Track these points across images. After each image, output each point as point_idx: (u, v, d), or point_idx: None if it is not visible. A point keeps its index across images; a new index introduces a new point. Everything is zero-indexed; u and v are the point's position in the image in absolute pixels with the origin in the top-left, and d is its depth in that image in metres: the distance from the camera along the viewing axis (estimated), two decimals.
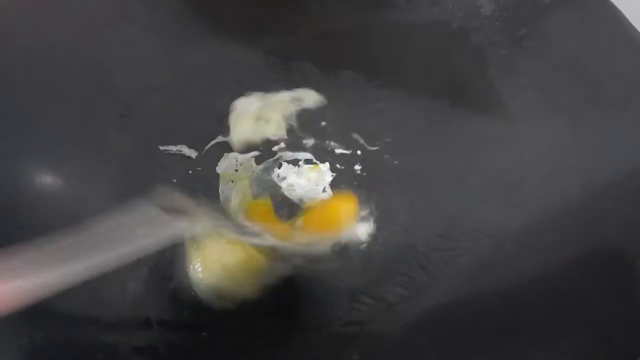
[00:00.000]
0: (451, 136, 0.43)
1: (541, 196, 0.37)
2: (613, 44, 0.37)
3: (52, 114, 0.39)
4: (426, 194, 0.41)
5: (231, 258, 0.36)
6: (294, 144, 0.44)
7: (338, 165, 0.43)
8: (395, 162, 0.43)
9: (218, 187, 0.42)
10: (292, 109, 0.45)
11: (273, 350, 0.35)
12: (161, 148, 0.43)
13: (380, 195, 0.41)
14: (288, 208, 0.42)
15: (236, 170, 0.43)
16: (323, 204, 0.41)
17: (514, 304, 0.33)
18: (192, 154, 0.43)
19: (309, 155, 0.44)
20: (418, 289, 0.37)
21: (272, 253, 0.36)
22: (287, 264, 0.36)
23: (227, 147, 0.44)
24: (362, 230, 0.39)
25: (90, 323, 0.34)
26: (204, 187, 0.42)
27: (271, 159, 0.43)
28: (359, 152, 0.44)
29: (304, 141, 0.44)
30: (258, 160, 0.44)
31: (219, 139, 0.44)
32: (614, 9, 0.37)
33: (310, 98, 0.45)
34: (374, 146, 0.44)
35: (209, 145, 0.44)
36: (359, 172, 0.43)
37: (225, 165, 0.43)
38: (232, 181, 0.42)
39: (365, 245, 0.39)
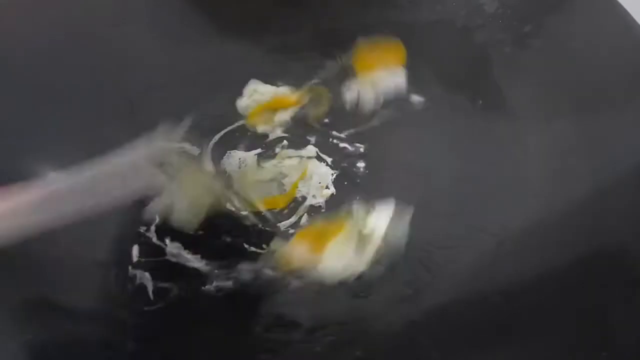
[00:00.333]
0: (454, 134, 0.43)
1: (544, 195, 0.37)
2: (618, 42, 0.37)
3: (52, 113, 0.39)
4: (428, 192, 0.41)
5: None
6: (296, 141, 0.44)
7: (342, 164, 0.43)
8: (397, 160, 0.43)
9: None
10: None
11: (273, 350, 0.35)
12: None
13: (382, 194, 0.41)
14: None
15: (239, 168, 0.43)
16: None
17: (516, 302, 0.33)
18: (195, 151, 0.43)
19: (312, 153, 0.44)
20: (420, 288, 0.37)
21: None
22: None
23: (229, 145, 0.44)
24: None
25: (93, 320, 0.34)
26: None
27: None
28: (361, 149, 0.44)
29: (308, 137, 0.44)
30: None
31: (221, 136, 0.44)
32: (618, 7, 0.37)
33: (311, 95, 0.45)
34: (376, 144, 0.44)
35: (212, 142, 0.44)
36: (362, 169, 0.43)
37: (228, 162, 0.43)
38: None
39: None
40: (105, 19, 0.42)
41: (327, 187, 0.42)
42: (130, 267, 0.38)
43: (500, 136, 0.41)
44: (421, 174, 0.42)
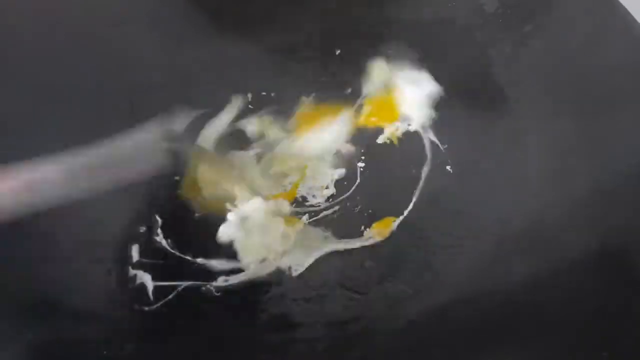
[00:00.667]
0: (455, 133, 0.43)
1: (545, 194, 0.37)
2: (617, 41, 0.37)
3: (52, 113, 0.39)
4: (429, 191, 0.41)
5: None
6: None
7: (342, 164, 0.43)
8: (397, 159, 0.43)
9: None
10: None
11: (273, 350, 0.35)
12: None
13: (382, 194, 0.41)
14: None
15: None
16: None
17: (516, 302, 0.33)
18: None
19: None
20: (420, 288, 0.37)
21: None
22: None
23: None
24: None
25: (93, 320, 0.34)
26: None
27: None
28: (361, 149, 0.44)
29: None
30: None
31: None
32: (618, 7, 0.37)
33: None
34: (377, 143, 0.44)
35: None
36: (362, 169, 0.43)
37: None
38: None
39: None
40: (105, 19, 0.42)
41: (327, 187, 0.42)
42: (130, 267, 0.38)
43: (500, 134, 0.41)
44: (420, 172, 0.42)
